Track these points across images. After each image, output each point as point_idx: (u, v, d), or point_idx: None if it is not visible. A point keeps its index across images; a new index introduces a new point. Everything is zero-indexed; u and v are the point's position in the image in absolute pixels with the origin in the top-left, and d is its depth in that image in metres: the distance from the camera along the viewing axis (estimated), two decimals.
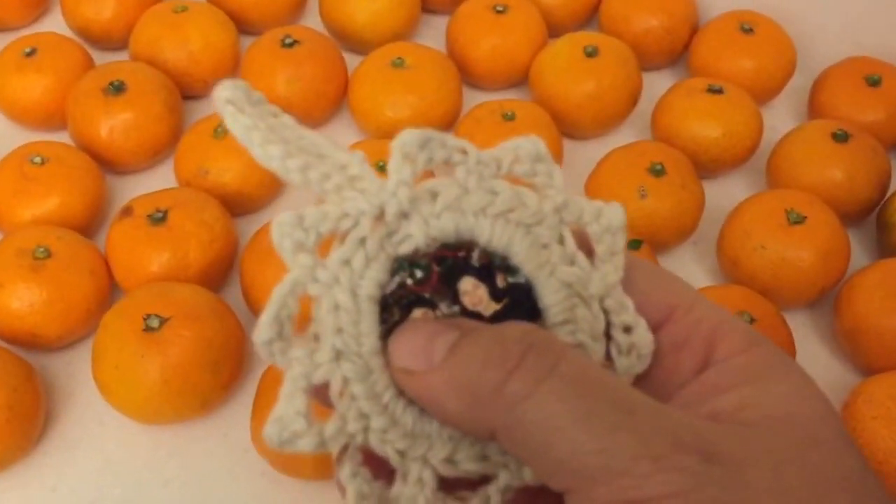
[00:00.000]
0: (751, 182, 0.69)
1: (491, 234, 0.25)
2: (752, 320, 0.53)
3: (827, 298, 0.60)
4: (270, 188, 0.65)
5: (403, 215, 0.24)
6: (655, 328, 0.25)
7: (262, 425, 0.49)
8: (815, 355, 0.60)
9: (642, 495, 0.19)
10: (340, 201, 0.24)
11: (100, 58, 0.72)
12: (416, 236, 0.24)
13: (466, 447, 0.24)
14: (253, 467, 0.52)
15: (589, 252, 0.26)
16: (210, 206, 0.60)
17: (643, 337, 0.25)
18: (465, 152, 0.25)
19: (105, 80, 0.66)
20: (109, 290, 0.58)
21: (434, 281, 0.24)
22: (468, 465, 0.24)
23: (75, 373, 0.56)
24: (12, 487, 0.52)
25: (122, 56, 0.73)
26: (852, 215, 0.64)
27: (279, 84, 0.68)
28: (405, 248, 0.24)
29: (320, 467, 0.50)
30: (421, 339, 0.23)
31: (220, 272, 0.59)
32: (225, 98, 0.25)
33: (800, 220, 0.58)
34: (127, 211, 0.59)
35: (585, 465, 0.20)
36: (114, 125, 0.65)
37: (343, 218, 0.24)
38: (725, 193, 0.67)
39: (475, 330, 0.23)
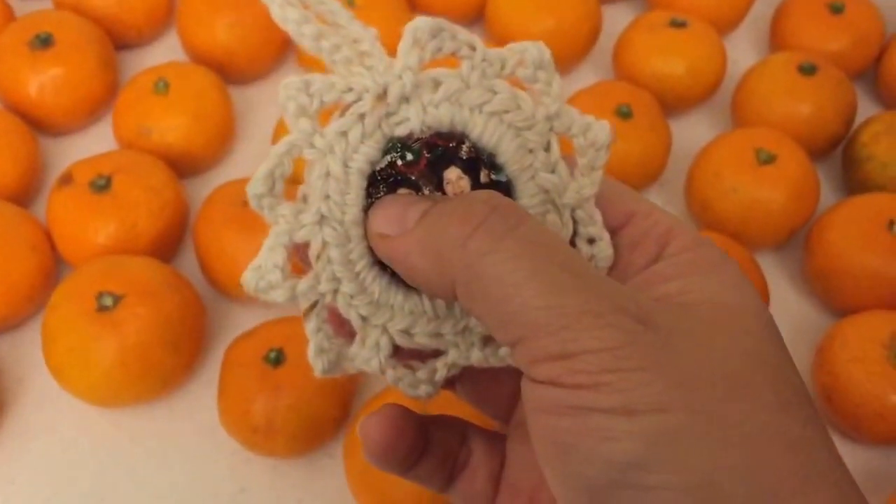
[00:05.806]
0: (715, 119, 0.68)
1: (483, 130, 0.26)
2: None
3: (796, 239, 0.59)
4: (219, 146, 0.61)
5: (404, 99, 0.25)
6: (616, 230, 0.27)
7: (230, 405, 0.48)
8: (787, 297, 0.59)
9: (578, 347, 0.21)
10: (347, 74, 0.25)
11: (21, 8, 0.67)
12: (412, 121, 0.25)
13: (423, 323, 0.26)
14: (222, 447, 0.50)
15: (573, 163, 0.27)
16: (157, 169, 0.56)
17: (604, 250, 0.27)
18: (473, 48, 0.26)
19: (30, 33, 0.61)
20: (54, 266, 0.55)
21: (422, 165, 0.26)
22: (422, 339, 0.26)
23: (24, 356, 0.53)
24: None
25: (45, 5, 0.68)
26: (818, 150, 0.63)
27: (219, 30, 0.63)
28: (400, 131, 0.25)
29: (292, 445, 0.48)
30: (398, 207, 0.25)
31: (171, 241, 0.56)
32: None
33: (770, 160, 0.57)
34: (66, 178, 0.55)
35: (532, 319, 0.22)
36: (43, 82, 0.61)
37: (347, 91, 0.25)
38: (690, 132, 0.66)
39: (446, 199, 0.25)
